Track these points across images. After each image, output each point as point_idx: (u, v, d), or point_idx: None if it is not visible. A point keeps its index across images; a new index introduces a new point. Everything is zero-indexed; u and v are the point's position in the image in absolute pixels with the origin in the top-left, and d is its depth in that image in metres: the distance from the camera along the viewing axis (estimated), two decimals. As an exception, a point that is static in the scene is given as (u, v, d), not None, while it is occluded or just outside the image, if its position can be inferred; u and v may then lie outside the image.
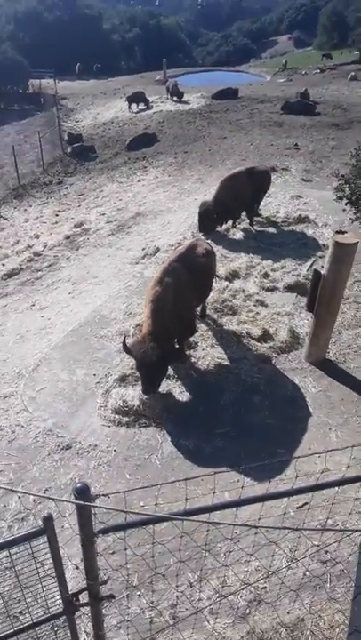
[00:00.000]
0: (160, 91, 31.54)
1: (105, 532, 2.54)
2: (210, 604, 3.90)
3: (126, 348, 6.14)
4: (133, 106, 28.38)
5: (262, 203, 11.93)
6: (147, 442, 6.02)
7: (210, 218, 10.84)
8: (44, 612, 3.09)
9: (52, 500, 2.64)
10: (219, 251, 9.99)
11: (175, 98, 28.91)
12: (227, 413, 6.41)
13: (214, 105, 26.98)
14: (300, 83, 34.39)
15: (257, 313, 8.20)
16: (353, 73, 35.72)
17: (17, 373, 7.31)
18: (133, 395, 6.49)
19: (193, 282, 6.73)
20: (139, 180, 17.75)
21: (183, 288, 6.52)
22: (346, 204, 9.34)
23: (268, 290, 8.95)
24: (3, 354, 8.09)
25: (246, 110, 25.13)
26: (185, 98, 28.84)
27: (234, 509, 2.81)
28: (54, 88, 35.54)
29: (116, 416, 6.30)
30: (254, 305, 8.42)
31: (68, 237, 13.65)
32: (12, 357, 7.86)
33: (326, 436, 6.04)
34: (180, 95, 28.86)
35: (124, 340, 6.22)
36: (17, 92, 35.57)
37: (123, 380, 6.83)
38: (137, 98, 28.69)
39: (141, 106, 28.49)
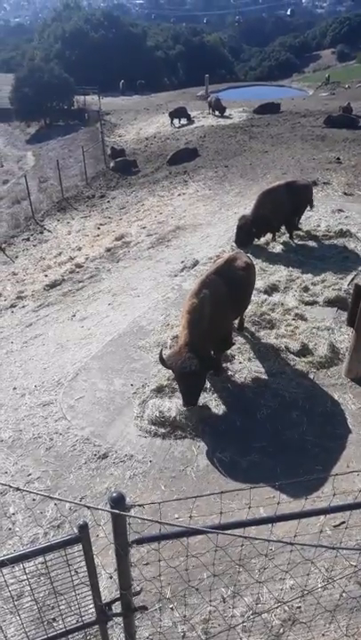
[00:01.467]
0: (202, 106, 31.91)
1: (139, 542, 2.55)
2: (243, 621, 3.83)
3: (163, 360, 6.18)
4: (175, 121, 28.79)
5: (303, 216, 11.84)
6: (182, 454, 6.01)
7: (247, 231, 10.80)
8: (77, 620, 3.11)
9: (88, 508, 2.66)
10: (258, 264, 9.95)
11: (217, 113, 29.18)
12: (264, 428, 6.34)
13: (256, 119, 27.08)
14: (343, 96, 34.15)
15: (296, 327, 8.11)
16: None
17: (56, 382, 7.44)
18: (170, 406, 6.50)
19: (231, 294, 6.72)
20: (179, 194, 17.92)
21: (220, 300, 6.52)
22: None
23: (307, 304, 8.84)
24: (43, 362, 8.26)
25: (288, 124, 25.10)
26: (227, 112, 29.08)
27: (269, 525, 2.77)
28: (98, 104, 36.54)
29: (153, 427, 6.32)
30: (293, 319, 8.33)
31: (108, 250, 13.89)
32: (52, 366, 8.02)
33: (366, 455, 5.88)
34: (222, 110, 29.10)
35: (161, 352, 6.25)
36: (62, 108, 36.66)
37: (159, 390, 6.86)
38: (179, 113, 29.10)
39: (183, 121, 28.86)
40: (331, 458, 5.84)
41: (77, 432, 6.39)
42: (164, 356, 6.25)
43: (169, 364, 6.16)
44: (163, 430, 6.28)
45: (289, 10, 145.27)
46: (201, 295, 6.37)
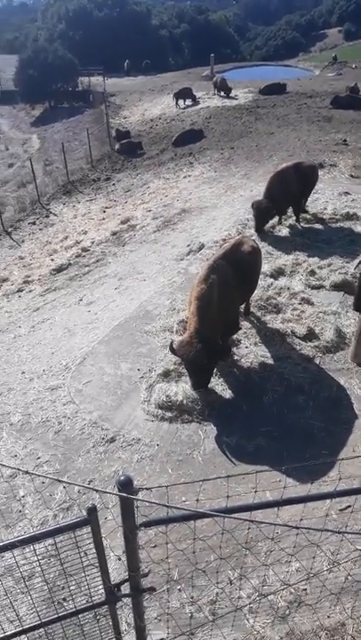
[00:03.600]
0: (207, 86, 31.46)
1: (147, 525, 2.59)
2: (250, 603, 3.90)
3: (173, 350, 6.20)
4: (181, 102, 28.45)
5: (309, 199, 11.73)
6: (189, 437, 6.06)
7: (265, 216, 10.72)
8: (87, 601, 3.17)
9: (96, 491, 2.71)
10: (264, 248, 9.90)
11: (222, 93, 28.78)
12: (270, 412, 6.37)
13: (262, 100, 26.69)
14: (351, 76, 33.53)
15: (302, 311, 8.09)
16: None
17: (64, 366, 7.49)
18: (176, 390, 6.53)
19: (238, 279, 6.71)
20: (185, 177, 17.79)
21: (228, 286, 6.51)
22: None
23: (314, 288, 8.81)
24: (51, 347, 8.31)
25: (294, 105, 24.74)
26: (232, 93, 28.66)
27: (275, 509, 2.80)
28: (103, 85, 36.10)
29: (160, 411, 6.37)
30: (300, 303, 8.31)
31: (114, 234, 13.86)
32: (59, 351, 8.07)
33: (372, 439, 5.91)
34: (228, 90, 28.70)
35: (171, 343, 6.26)
36: (67, 89, 36.24)
37: (166, 375, 6.89)
38: (184, 94, 28.73)
39: (188, 102, 28.51)
40: (337, 442, 5.88)
41: (85, 416, 6.45)
42: (174, 346, 6.25)
43: (180, 354, 6.18)
44: (170, 414, 6.33)
45: None
46: (210, 281, 6.35)
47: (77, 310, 9.75)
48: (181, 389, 6.50)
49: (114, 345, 7.76)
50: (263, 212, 10.64)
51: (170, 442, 5.99)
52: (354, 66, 40.57)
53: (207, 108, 26.72)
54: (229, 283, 6.53)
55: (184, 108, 27.85)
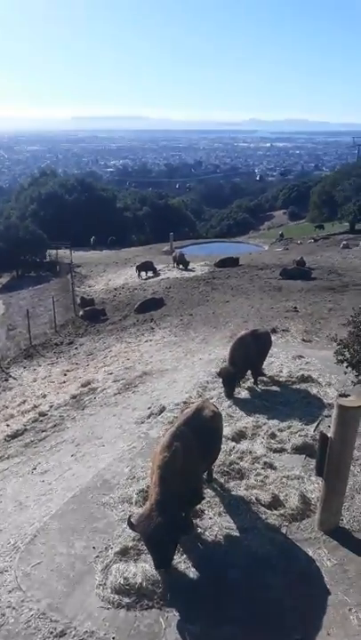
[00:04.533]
0: (167, 260, 34.24)
1: None
2: None
3: (132, 525, 5.82)
4: (143, 274, 30.61)
5: (266, 362, 12.23)
6: (149, 627, 5.44)
7: (233, 381, 11.05)
8: None
9: None
10: (224, 410, 9.99)
11: (181, 266, 31.27)
12: (237, 592, 5.87)
13: (217, 272, 29.06)
14: (296, 251, 37.46)
15: (266, 477, 7.93)
16: (345, 242, 39.05)
17: (12, 545, 6.87)
18: (135, 571, 6.00)
19: (202, 446, 6.63)
20: (146, 341, 18.42)
21: (192, 453, 6.39)
22: (347, 367, 9.57)
23: (275, 451, 8.76)
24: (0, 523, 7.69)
25: (247, 276, 26.98)
26: (190, 266, 31.19)
27: None
28: (70, 257, 38.75)
29: (116, 596, 5.76)
30: (263, 468, 8.17)
31: (74, 397, 13.78)
32: (8, 527, 7.45)
33: (346, 619, 5.47)
34: (186, 264, 31.26)
35: (129, 518, 5.93)
36: (35, 260, 38.69)
37: (124, 553, 6.37)
38: (146, 266, 31.06)
39: (150, 274, 30.71)
40: (309, 624, 5.41)
41: (33, 605, 5.77)
42: (132, 520, 5.89)
43: (139, 530, 5.79)
44: (127, 600, 5.73)
45: (258, 175, 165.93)
46: (173, 449, 6.21)
47: (31, 480, 9.23)
48: (141, 570, 5.98)
49: (68, 519, 7.25)
50: (231, 378, 11.00)
51: (128, 634, 5.36)
52: (299, 242, 45.58)
53: (167, 279, 28.80)
54: (193, 450, 6.43)
55: (146, 279, 29.90)
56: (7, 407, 14.48)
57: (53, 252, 40.23)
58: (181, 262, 31.39)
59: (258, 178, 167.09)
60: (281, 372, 12.19)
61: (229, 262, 30.94)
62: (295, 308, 19.26)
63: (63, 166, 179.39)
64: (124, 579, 5.89)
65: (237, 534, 6.76)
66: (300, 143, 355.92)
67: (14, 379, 17.31)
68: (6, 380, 17.40)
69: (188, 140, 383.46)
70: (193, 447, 6.44)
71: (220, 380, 11.24)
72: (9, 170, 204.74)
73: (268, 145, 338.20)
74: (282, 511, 7.18)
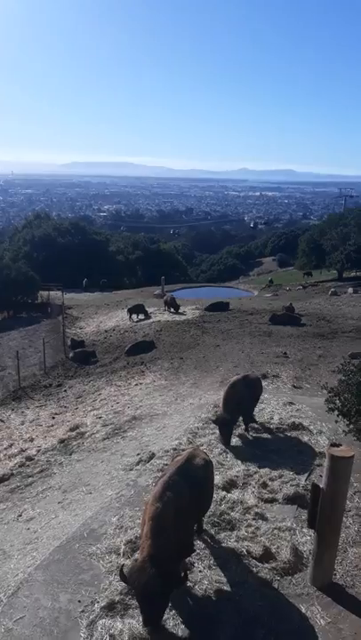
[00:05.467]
0: (158, 303, 34.46)
1: None
2: None
3: (124, 577, 5.61)
4: (134, 316, 30.74)
5: (256, 408, 12.17)
6: None
7: (231, 427, 10.91)
8: None
9: None
10: (215, 457, 9.85)
11: (172, 310, 31.49)
12: (227, 653, 5.64)
13: (207, 316, 29.26)
14: (286, 297, 37.97)
15: (257, 528, 7.74)
16: (333, 289, 39.70)
17: (-6, 599, 6.58)
18: (122, 628, 5.75)
19: (194, 496, 6.49)
20: (136, 384, 18.31)
21: (184, 504, 6.23)
22: (338, 416, 9.56)
23: (267, 501, 8.59)
24: (-19, 574, 7.39)
25: (237, 321, 27.18)
26: (181, 310, 31.42)
27: None
28: (62, 299, 38.89)
29: (101, 658, 5.51)
30: (254, 519, 7.99)
31: (62, 441, 13.54)
32: (-10, 579, 7.16)
33: None
34: (177, 307, 31.49)
35: (122, 568, 5.74)
36: (26, 301, 38.76)
37: (110, 608, 6.12)
38: (137, 309, 31.23)
39: (141, 316, 30.85)
40: None
41: (13, 665, 5.48)
42: (125, 572, 5.69)
43: (132, 582, 5.57)
44: (113, 661, 5.48)
45: (251, 223, 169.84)
46: (165, 499, 6.05)
47: (15, 528, 8.94)
48: (127, 627, 5.73)
49: (53, 571, 6.99)
50: (228, 425, 10.86)
51: None
52: (288, 288, 46.24)
53: (158, 321, 28.91)
54: (186, 500, 6.28)
55: (137, 322, 30.00)
56: (-7, 451, 14.16)
57: (45, 293, 40.38)
58: (172, 305, 31.63)
59: (252, 225, 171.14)
60: (272, 418, 12.12)
61: (220, 307, 31.24)
62: (285, 353, 19.34)
63: (57, 210, 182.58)
64: (110, 636, 5.65)
65: (228, 589, 6.55)
66: (288, 192, 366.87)
67: (2, 421, 17.00)
68: (-7, 422, 17.08)
69: (180, 187, 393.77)
70: (186, 498, 6.29)
71: (211, 426, 11.13)
72: (3, 211, 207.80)
73: (258, 194, 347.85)
74: (273, 564, 6.99)
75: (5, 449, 14.03)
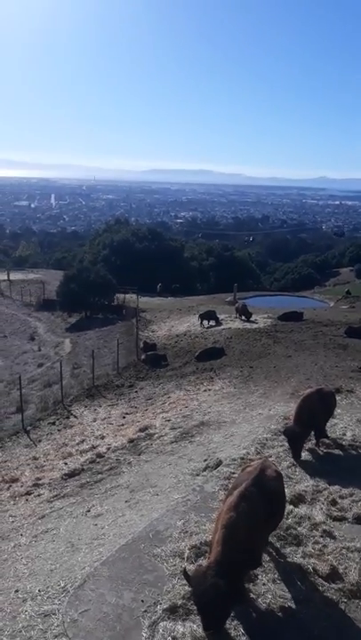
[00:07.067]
0: (230, 310, 34.35)
1: None
2: None
3: (187, 577, 5.68)
4: (205, 322, 30.83)
5: (328, 424, 11.82)
6: None
7: (303, 441, 10.69)
8: None
9: None
10: (283, 470, 9.65)
11: (243, 317, 31.25)
12: (289, 671, 5.52)
13: (280, 325, 28.77)
14: (363, 310, 36.52)
15: (324, 545, 7.53)
16: None
17: (62, 588, 6.84)
18: (184, 631, 5.79)
19: (268, 509, 6.41)
20: (205, 390, 18.35)
21: (259, 516, 6.20)
22: None
23: (336, 519, 8.32)
24: (51, 563, 7.70)
25: (311, 332, 26.51)
26: (253, 318, 31.12)
27: None
28: (136, 302, 39.77)
29: (163, 657, 5.58)
30: (321, 536, 7.77)
31: (131, 441, 13.84)
32: (59, 568, 7.45)
33: None
34: (249, 315, 31.21)
35: (185, 569, 5.79)
36: (103, 303, 40.02)
37: (173, 611, 6.18)
38: (208, 315, 31.30)
39: (212, 323, 30.89)
40: None
41: (77, 655, 5.67)
42: (188, 572, 5.73)
43: (192, 585, 5.61)
44: (174, 662, 5.52)
45: (337, 229, 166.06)
46: (240, 509, 6.04)
47: (84, 522, 9.24)
48: (189, 630, 5.76)
49: (118, 568, 7.16)
50: (299, 438, 10.62)
51: None
52: (365, 300, 44.48)
53: (229, 329, 28.83)
54: (260, 512, 6.23)
55: (208, 328, 30.07)
56: (67, 445, 14.73)
57: (121, 296, 41.50)
58: (244, 313, 31.39)
59: (336, 232, 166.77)
60: (345, 434, 11.73)
61: (293, 316, 30.55)
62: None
63: (136, 215, 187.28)
64: (173, 638, 5.70)
65: (292, 605, 6.41)
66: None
67: (75, 417, 17.65)
68: (67, 417, 17.78)
69: (257, 195, 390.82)
70: (260, 510, 6.24)
71: (280, 438, 10.93)
72: (85, 216, 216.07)
73: (337, 202, 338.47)
74: (340, 585, 6.77)
75: (78, 444, 14.55)
